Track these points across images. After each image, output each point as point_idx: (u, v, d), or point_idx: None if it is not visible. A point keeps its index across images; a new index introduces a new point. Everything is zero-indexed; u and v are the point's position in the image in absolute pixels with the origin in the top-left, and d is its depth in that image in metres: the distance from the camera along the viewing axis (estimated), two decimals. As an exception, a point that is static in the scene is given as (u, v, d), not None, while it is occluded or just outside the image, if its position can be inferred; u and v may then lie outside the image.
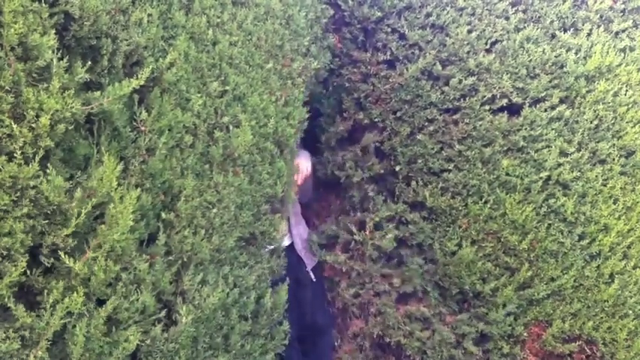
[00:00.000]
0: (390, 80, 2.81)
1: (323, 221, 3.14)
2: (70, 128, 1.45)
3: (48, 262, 1.43)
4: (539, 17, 2.79)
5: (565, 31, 2.79)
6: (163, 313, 1.75)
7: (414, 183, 2.85)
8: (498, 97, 2.78)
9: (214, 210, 1.96)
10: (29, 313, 1.36)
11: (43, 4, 1.38)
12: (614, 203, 2.73)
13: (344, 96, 2.96)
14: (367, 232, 2.91)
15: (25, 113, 1.35)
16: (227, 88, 2.02)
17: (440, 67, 2.77)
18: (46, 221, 1.41)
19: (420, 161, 2.82)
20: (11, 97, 1.32)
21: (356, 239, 2.92)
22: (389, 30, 2.88)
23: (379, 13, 2.85)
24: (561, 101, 2.77)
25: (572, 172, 2.71)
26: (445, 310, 2.86)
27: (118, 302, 1.57)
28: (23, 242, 1.34)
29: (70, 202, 1.43)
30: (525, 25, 2.79)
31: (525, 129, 2.74)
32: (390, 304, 2.88)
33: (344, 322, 3.06)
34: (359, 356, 2.98)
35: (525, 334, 2.78)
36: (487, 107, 2.77)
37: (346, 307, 3.02)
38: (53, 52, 1.39)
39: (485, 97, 2.76)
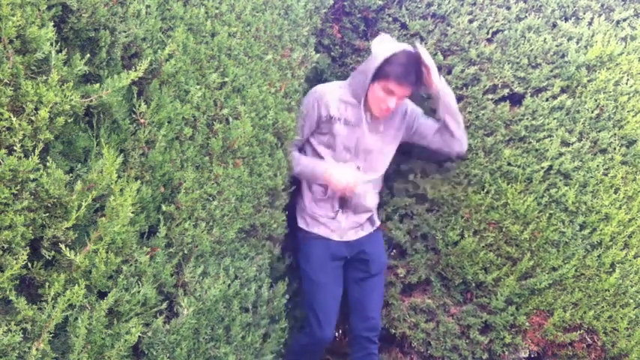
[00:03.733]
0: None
1: None
2: (69, 121, 1.44)
3: (49, 255, 1.43)
4: (540, 6, 2.78)
5: (566, 20, 2.78)
6: (165, 305, 1.75)
7: (412, 175, 2.84)
8: (500, 86, 2.77)
9: (215, 202, 1.96)
10: (31, 305, 1.36)
11: (41, -4, 1.37)
12: (615, 193, 2.73)
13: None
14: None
15: (24, 106, 1.35)
16: (226, 79, 2.01)
17: (441, 57, 2.77)
18: (47, 214, 1.41)
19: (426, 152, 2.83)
20: (10, 90, 1.32)
21: None
22: (390, 19, 2.87)
23: (380, 2, 2.84)
24: (562, 91, 2.76)
25: (574, 161, 2.71)
26: (449, 301, 2.87)
27: (120, 295, 1.57)
28: (24, 235, 1.34)
29: (71, 194, 1.42)
30: (526, 14, 2.78)
31: (527, 118, 2.74)
32: (396, 295, 2.89)
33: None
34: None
35: (527, 323, 2.78)
36: (489, 97, 2.77)
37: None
38: (51, 44, 1.39)
39: (487, 86, 2.75)
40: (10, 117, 1.31)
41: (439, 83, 2.51)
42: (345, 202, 2.59)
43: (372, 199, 2.67)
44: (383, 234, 2.81)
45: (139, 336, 1.63)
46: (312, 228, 2.61)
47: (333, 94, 2.57)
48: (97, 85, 1.52)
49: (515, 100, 2.79)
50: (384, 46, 2.45)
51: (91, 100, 1.50)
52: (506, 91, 2.77)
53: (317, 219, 2.60)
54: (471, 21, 2.80)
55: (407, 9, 2.84)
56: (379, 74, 2.42)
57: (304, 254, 2.63)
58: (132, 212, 1.56)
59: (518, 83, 2.76)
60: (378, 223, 2.74)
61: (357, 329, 2.67)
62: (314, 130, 2.58)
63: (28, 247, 1.35)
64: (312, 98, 2.58)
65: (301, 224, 2.63)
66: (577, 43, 2.73)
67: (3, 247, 1.31)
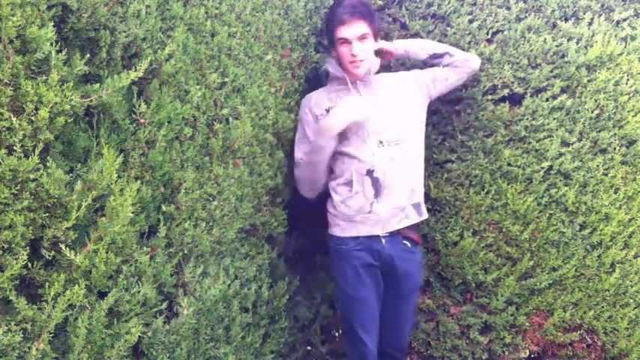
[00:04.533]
0: (392, 70, 2.80)
1: None
2: (69, 121, 1.44)
3: (49, 255, 1.43)
4: (540, 6, 2.78)
5: (566, 20, 2.78)
6: (165, 305, 1.75)
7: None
8: (500, 87, 2.77)
9: (215, 202, 1.96)
10: (31, 305, 1.36)
11: (41, -3, 1.37)
12: (615, 193, 2.73)
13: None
14: None
15: (24, 106, 1.35)
16: (226, 79, 2.01)
17: (440, 57, 2.76)
18: (47, 214, 1.41)
19: (425, 152, 2.82)
20: (10, 90, 1.32)
21: None
22: (390, 19, 2.87)
23: (380, 2, 2.84)
24: (562, 91, 2.76)
25: (574, 161, 2.71)
26: (449, 302, 2.87)
27: (120, 295, 1.57)
28: (24, 235, 1.34)
29: (71, 194, 1.43)
30: (526, 14, 2.78)
31: (527, 119, 2.74)
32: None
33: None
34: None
35: (527, 323, 2.78)
36: (489, 97, 2.77)
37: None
38: (51, 44, 1.39)
39: (486, 87, 2.75)
40: (10, 117, 1.31)
41: (395, 43, 2.57)
42: (378, 187, 2.37)
43: (405, 175, 2.43)
44: None
45: (139, 336, 1.63)
46: (349, 232, 2.39)
47: (320, 94, 2.54)
48: (97, 85, 1.52)
49: (515, 100, 2.79)
50: None
51: (91, 100, 1.50)
52: (506, 92, 2.76)
53: (353, 220, 2.38)
54: (470, 21, 2.80)
55: (407, 9, 2.84)
56: (332, 38, 2.43)
57: (339, 268, 2.44)
58: (132, 212, 1.56)
59: (518, 83, 2.76)
60: (425, 214, 2.50)
61: (384, 345, 2.50)
62: None
63: (28, 247, 1.35)
64: (303, 106, 2.54)
65: (336, 232, 2.43)
66: (577, 43, 2.73)
67: (3, 247, 1.32)
